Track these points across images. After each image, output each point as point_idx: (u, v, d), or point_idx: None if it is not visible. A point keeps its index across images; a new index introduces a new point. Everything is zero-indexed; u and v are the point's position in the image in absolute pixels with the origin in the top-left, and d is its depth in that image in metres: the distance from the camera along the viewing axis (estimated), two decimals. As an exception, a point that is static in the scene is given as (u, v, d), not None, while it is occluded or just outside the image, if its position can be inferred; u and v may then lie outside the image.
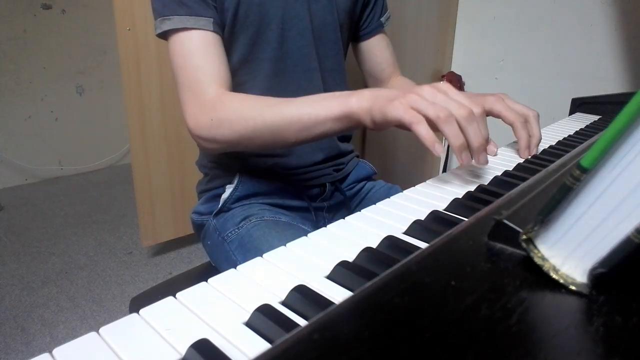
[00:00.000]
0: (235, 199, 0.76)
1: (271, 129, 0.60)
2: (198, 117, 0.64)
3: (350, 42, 0.88)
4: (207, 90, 0.64)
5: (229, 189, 0.77)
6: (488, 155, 0.62)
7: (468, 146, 0.49)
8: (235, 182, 0.76)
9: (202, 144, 0.67)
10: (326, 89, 0.79)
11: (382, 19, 0.87)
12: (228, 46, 0.71)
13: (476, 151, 0.49)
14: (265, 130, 0.61)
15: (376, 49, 0.89)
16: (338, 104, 0.55)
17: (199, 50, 0.65)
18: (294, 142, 0.62)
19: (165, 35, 0.67)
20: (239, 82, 0.73)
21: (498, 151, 0.65)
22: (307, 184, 0.80)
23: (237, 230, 0.71)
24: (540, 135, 0.64)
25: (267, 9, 0.71)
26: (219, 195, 0.77)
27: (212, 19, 0.66)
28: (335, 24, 0.78)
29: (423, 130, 0.47)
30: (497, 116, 0.64)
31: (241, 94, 0.66)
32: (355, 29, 0.86)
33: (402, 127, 0.50)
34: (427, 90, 0.49)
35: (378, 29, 0.87)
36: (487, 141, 0.50)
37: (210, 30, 0.66)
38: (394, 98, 0.50)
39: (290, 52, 0.74)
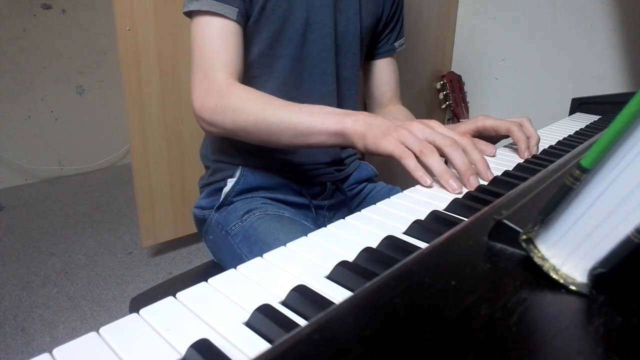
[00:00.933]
0: (237, 192, 0.77)
1: (269, 129, 0.63)
2: (204, 99, 0.67)
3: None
4: (218, 76, 0.67)
5: (230, 182, 0.77)
6: (487, 157, 0.63)
7: (459, 172, 0.51)
8: (238, 175, 0.77)
9: (203, 125, 0.69)
10: (339, 96, 0.81)
11: (396, 44, 0.89)
12: (250, 38, 0.72)
13: (463, 175, 0.51)
14: (263, 127, 0.63)
15: (383, 72, 0.90)
16: (335, 122, 0.58)
17: (218, 37, 0.68)
18: (287, 145, 0.64)
19: (190, 15, 0.70)
20: (256, 74, 0.75)
21: (498, 151, 0.65)
22: (308, 181, 0.80)
23: (240, 223, 0.72)
24: (538, 136, 0.65)
25: (293, 9, 0.72)
26: (221, 189, 0.78)
27: (237, 9, 0.68)
28: (357, 36, 0.80)
29: (411, 164, 0.51)
30: (492, 129, 0.66)
31: (249, 87, 0.68)
32: (372, 46, 0.88)
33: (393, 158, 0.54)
34: (416, 126, 0.54)
35: (389, 52, 0.89)
36: (481, 163, 0.53)
37: (233, 20, 0.68)
38: (387, 131, 0.54)
39: (310, 54, 0.76)
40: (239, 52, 0.70)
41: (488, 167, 0.53)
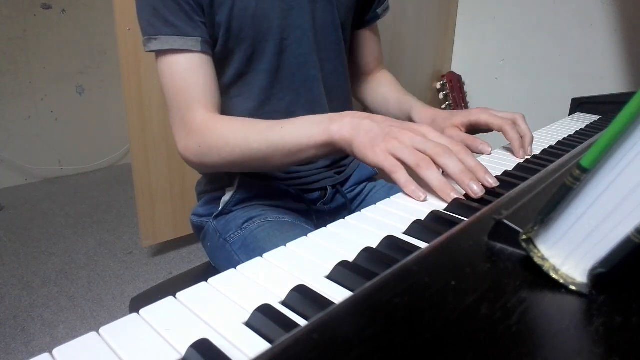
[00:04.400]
0: (236, 202, 0.75)
1: (257, 156, 0.61)
2: (186, 141, 0.65)
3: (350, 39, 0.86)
4: (194, 115, 0.64)
5: (229, 192, 0.76)
6: (485, 156, 0.63)
7: (456, 180, 0.48)
8: (236, 185, 0.75)
9: (193, 166, 0.67)
10: (328, 93, 0.78)
11: (379, 11, 0.86)
12: (222, 61, 0.70)
13: (462, 182, 0.48)
14: (251, 156, 0.61)
15: (367, 43, 0.89)
16: (320, 132, 0.55)
17: (186, 73, 0.65)
18: (282, 166, 0.62)
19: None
20: (234, 94, 0.72)
21: (497, 152, 0.65)
22: (307, 187, 0.79)
23: (240, 231, 0.71)
24: (532, 134, 0.65)
25: (261, 21, 0.68)
26: (219, 198, 0.77)
27: (200, 39, 0.64)
28: (337, 23, 0.76)
29: (402, 179, 0.49)
30: (485, 125, 0.66)
31: (229, 118, 0.65)
32: (359, 21, 0.85)
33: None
34: (406, 135, 0.50)
35: (373, 20, 0.87)
36: (478, 169, 0.49)
37: (198, 51, 0.65)
38: (374, 140, 0.51)
39: (288, 62, 0.72)
40: (212, 83, 0.67)
41: (487, 172, 0.50)
